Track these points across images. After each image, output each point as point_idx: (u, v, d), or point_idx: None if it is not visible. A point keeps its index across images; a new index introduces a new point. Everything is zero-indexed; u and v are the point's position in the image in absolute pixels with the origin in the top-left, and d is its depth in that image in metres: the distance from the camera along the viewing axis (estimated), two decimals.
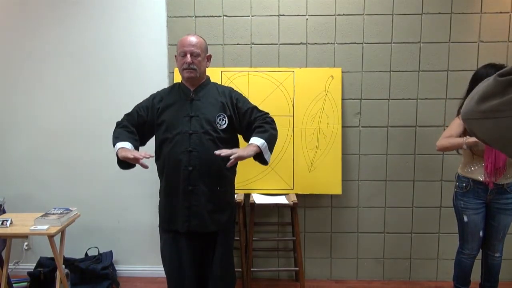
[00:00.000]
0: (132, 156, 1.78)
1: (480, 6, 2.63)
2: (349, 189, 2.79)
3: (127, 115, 2.04)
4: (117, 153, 1.87)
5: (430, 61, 2.68)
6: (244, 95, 2.10)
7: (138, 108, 2.04)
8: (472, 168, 2.15)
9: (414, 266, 2.85)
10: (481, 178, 2.11)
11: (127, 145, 1.89)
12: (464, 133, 2.09)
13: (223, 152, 1.78)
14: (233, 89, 2.08)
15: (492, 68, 2.08)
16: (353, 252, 2.85)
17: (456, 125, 2.14)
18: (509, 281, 2.76)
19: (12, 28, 2.78)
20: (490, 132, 0.70)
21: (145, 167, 1.83)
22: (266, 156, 1.90)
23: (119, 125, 2.01)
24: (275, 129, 1.97)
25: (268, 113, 2.03)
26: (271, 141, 1.93)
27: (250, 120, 1.98)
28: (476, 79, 2.13)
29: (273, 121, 2.00)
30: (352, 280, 2.87)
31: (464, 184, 2.17)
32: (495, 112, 0.67)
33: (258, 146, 1.86)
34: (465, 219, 2.15)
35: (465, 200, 2.17)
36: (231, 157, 1.78)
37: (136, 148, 1.95)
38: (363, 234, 2.83)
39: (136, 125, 2.01)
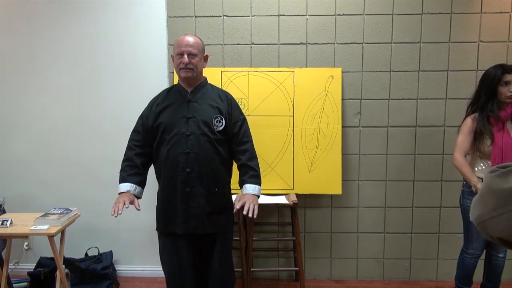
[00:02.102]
0: (113, 212, 1.87)
1: (480, 6, 2.63)
2: (349, 189, 2.79)
3: (133, 133, 2.05)
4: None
5: (430, 61, 2.68)
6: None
7: (141, 118, 2.04)
8: (480, 168, 2.15)
9: (414, 266, 2.84)
10: None
11: (127, 187, 1.97)
12: (474, 139, 2.13)
13: (247, 212, 1.88)
14: (229, 93, 2.10)
15: (501, 68, 2.08)
16: (353, 252, 2.85)
17: (467, 132, 2.14)
18: (510, 282, 2.76)
19: (10, 28, 2.78)
20: (507, 228, 0.67)
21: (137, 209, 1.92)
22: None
23: (125, 155, 2.04)
24: (259, 167, 2.05)
25: (252, 142, 2.07)
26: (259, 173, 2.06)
27: (236, 133, 2.00)
28: (484, 79, 2.14)
29: (256, 154, 2.07)
30: (352, 280, 2.87)
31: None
32: (503, 206, 0.65)
33: (257, 194, 1.99)
34: (471, 218, 2.14)
35: (471, 199, 2.15)
36: (255, 210, 1.89)
37: (141, 183, 2.02)
38: (363, 234, 2.83)
39: (145, 138, 2.01)
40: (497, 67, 2.10)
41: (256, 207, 1.90)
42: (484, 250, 2.26)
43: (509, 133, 2.06)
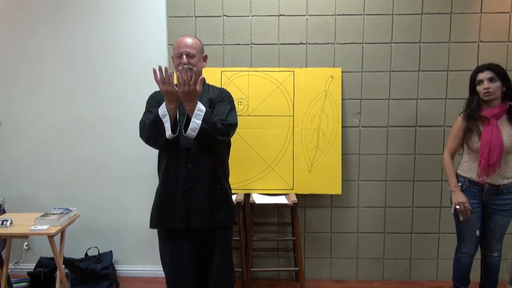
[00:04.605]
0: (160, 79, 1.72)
1: (480, 6, 2.63)
2: (349, 189, 2.79)
3: (148, 110, 1.98)
4: (162, 115, 1.79)
5: (430, 61, 2.68)
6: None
7: (149, 104, 2.00)
8: (468, 167, 2.18)
9: (414, 266, 2.85)
10: (477, 178, 2.13)
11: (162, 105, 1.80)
12: (463, 136, 2.19)
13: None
14: (225, 89, 2.09)
15: (477, 68, 2.16)
16: (353, 252, 2.85)
17: (457, 130, 2.20)
18: None
19: (12, 28, 2.78)
20: None
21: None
22: (193, 119, 1.76)
23: (147, 114, 1.94)
24: (220, 125, 1.83)
25: (230, 123, 1.92)
26: (210, 124, 1.79)
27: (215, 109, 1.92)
28: (474, 79, 2.18)
29: (227, 125, 1.89)
30: (352, 280, 2.87)
31: (460, 184, 2.19)
32: None
33: (200, 108, 1.76)
34: (461, 218, 2.16)
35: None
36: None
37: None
38: (363, 234, 2.83)
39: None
40: (476, 67, 2.18)
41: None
42: (480, 250, 2.28)
43: (499, 129, 2.07)
